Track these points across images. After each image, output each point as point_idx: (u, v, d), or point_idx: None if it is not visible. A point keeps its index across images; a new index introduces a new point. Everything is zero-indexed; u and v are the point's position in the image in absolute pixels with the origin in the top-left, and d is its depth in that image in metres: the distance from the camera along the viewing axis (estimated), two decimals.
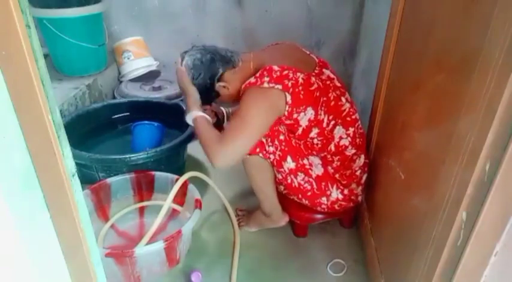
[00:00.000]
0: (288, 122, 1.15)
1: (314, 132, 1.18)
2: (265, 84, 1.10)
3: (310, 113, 1.14)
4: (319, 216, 1.35)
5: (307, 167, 1.21)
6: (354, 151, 1.23)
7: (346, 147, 1.22)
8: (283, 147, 1.17)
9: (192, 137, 1.58)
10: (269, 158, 1.19)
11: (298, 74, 1.12)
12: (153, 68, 2.20)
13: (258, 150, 1.17)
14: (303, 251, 1.38)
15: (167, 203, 1.27)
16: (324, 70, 1.21)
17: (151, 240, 1.23)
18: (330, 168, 1.24)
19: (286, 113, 1.13)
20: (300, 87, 1.11)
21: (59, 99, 1.74)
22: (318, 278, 1.27)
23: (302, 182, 1.22)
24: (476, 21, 0.65)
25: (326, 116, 1.17)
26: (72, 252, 0.68)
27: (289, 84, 1.10)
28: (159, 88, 2.09)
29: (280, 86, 1.09)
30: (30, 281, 0.64)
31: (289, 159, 1.19)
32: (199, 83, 1.22)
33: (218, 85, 1.23)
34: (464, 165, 0.63)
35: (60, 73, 2.04)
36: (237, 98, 1.21)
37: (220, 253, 1.36)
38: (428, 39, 0.89)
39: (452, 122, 0.69)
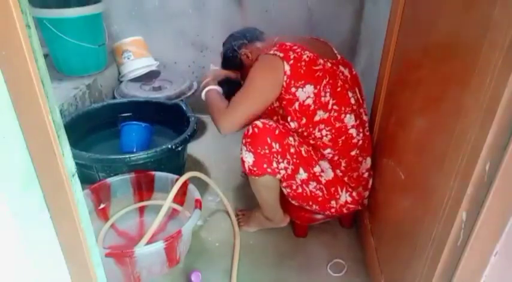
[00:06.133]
0: (287, 96, 1.16)
1: (319, 115, 1.16)
2: (271, 52, 1.17)
3: (309, 89, 1.14)
4: (319, 216, 1.35)
5: (318, 174, 1.21)
6: (358, 152, 1.23)
7: (353, 138, 1.21)
8: (295, 160, 1.17)
9: (192, 136, 1.58)
10: (279, 173, 1.18)
11: (306, 52, 1.15)
12: (153, 68, 2.20)
13: (265, 166, 1.16)
14: (303, 251, 1.38)
15: (167, 203, 1.27)
16: (340, 66, 1.22)
17: (151, 240, 1.23)
18: (338, 171, 1.23)
19: (284, 84, 1.14)
20: (303, 63, 1.13)
21: (59, 99, 1.73)
22: (318, 278, 1.27)
23: (314, 190, 1.22)
24: (476, 21, 0.65)
25: (331, 99, 1.16)
26: (72, 252, 0.68)
27: (291, 56, 1.13)
28: (159, 88, 2.08)
29: (281, 54, 1.14)
30: (30, 281, 0.64)
31: (301, 170, 1.19)
32: (226, 50, 1.40)
33: (241, 52, 1.36)
34: (464, 165, 0.63)
35: (60, 73, 2.04)
36: None
37: (220, 253, 1.36)
38: (428, 39, 0.89)
39: (453, 122, 0.69)
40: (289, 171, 1.18)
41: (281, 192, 1.33)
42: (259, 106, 1.19)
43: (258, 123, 1.16)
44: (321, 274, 1.29)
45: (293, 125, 1.20)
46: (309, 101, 1.15)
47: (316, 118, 1.17)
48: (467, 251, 0.63)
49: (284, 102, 1.17)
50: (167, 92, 2.05)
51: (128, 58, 2.15)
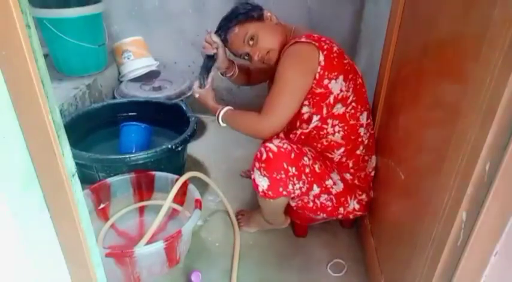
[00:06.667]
0: (318, 90, 1.11)
1: (337, 108, 1.14)
2: (303, 39, 1.10)
3: (340, 82, 1.11)
4: (319, 216, 1.35)
5: (330, 186, 1.20)
6: (364, 151, 1.23)
7: (362, 137, 1.21)
8: (309, 179, 1.15)
9: (192, 136, 1.58)
10: (294, 193, 1.16)
11: (334, 44, 1.12)
12: (153, 68, 2.20)
13: (281, 189, 1.13)
14: (303, 251, 1.38)
15: (167, 203, 1.27)
16: (354, 64, 1.21)
17: (151, 240, 1.23)
18: (348, 175, 1.23)
19: (317, 76, 1.09)
20: (335, 54, 1.10)
21: (59, 99, 1.73)
22: (318, 278, 1.27)
23: (324, 201, 1.21)
24: (476, 21, 0.65)
25: (352, 95, 1.14)
26: (72, 252, 0.68)
27: (325, 47, 1.10)
28: (159, 88, 2.08)
29: (316, 43, 1.09)
30: (30, 281, 0.64)
31: (315, 187, 1.17)
32: (248, 4, 1.23)
33: (266, 11, 1.22)
34: (464, 165, 0.63)
35: (60, 73, 2.04)
36: (276, 45, 1.19)
37: (220, 253, 1.36)
38: (428, 39, 0.89)
39: (453, 121, 0.69)
40: (303, 189, 1.16)
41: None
42: (301, 98, 1.13)
43: (272, 146, 1.10)
44: (321, 274, 1.29)
45: (315, 118, 1.16)
46: (342, 94, 1.13)
47: (334, 110, 1.15)
48: (467, 251, 0.63)
49: (317, 98, 1.13)
50: (167, 92, 2.05)
51: (128, 58, 2.15)
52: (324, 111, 1.15)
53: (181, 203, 1.44)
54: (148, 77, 2.17)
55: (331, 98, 1.13)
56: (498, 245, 0.61)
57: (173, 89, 2.07)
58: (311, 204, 1.22)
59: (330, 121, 1.17)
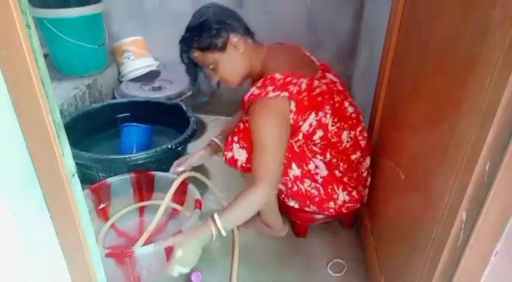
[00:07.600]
0: (291, 130, 1.13)
1: (318, 134, 1.15)
2: (270, 94, 1.05)
3: (312, 117, 1.12)
4: (319, 216, 1.35)
5: (313, 172, 1.20)
6: (359, 154, 1.23)
7: (348, 149, 1.20)
8: (287, 154, 1.15)
9: (192, 136, 1.58)
10: None
11: (302, 79, 1.08)
12: (153, 68, 2.20)
13: None
14: (303, 251, 1.38)
15: (165, 202, 1.27)
16: (326, 74, 1.18)
17: (151, 240, 1.23)
18: (337, 172, 1.22)
19: (292, 121, 1.10)
20: (304, 93, 1.08)
21: (59, 99, 1.73)
22: (318, 278, 1.27)
23: (309, 188, 1.21)
24: (476, 21, 0.65)
25: (331, 119, 1.14)
26: (72, 252, 0.68)
27: (294, 91, 1.06)
28: (159, 88, 2.09)
29: (286, 94, 1.05)
30: (30, 281, 0.64)
31: (294, 166, 1.18)
32: (209, 20, 1.13)
33: (231, 36, 1.11)
34: (464, 165, 0.63)
35: (60, 73, 2.04)
36: (235, 78, 1.18)
37: (220, 253, 1.36)
38: (428, 39, 0.89)
39: (452, 122, 0.69)
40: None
41: (280, 199, 1.33)
42: (283, 149, 1.09)
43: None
44: (321, 274, 1.29)
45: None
46: (311, 129, 1.13)
47: (315, 137, 1.16)
48: (467, 251, 0.63)
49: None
50: (167, 92, 2.05)
51: (128, 58, 2.15)
52: (299, 136, 1.16)
53: (181, 203, 1.44)
54: (148, 77, 2.18)
55: (300, 136, 1.14)
56: (498, 245, 0.61)
57: (173, 89, 2.07)
58: (295, 188, 1.21)
59: (311, 141, 1.18)
